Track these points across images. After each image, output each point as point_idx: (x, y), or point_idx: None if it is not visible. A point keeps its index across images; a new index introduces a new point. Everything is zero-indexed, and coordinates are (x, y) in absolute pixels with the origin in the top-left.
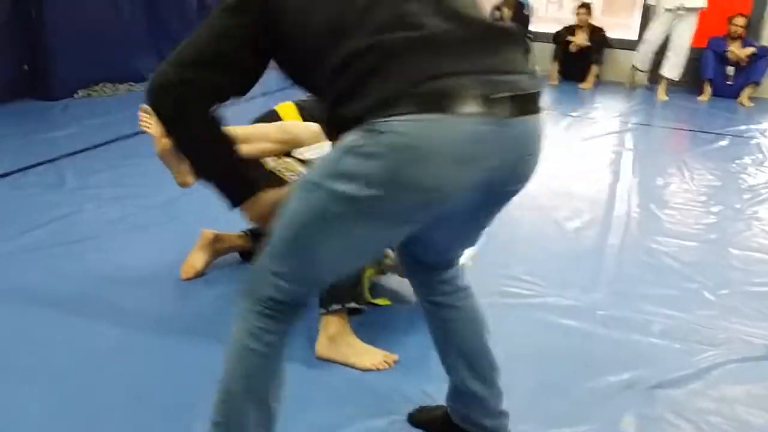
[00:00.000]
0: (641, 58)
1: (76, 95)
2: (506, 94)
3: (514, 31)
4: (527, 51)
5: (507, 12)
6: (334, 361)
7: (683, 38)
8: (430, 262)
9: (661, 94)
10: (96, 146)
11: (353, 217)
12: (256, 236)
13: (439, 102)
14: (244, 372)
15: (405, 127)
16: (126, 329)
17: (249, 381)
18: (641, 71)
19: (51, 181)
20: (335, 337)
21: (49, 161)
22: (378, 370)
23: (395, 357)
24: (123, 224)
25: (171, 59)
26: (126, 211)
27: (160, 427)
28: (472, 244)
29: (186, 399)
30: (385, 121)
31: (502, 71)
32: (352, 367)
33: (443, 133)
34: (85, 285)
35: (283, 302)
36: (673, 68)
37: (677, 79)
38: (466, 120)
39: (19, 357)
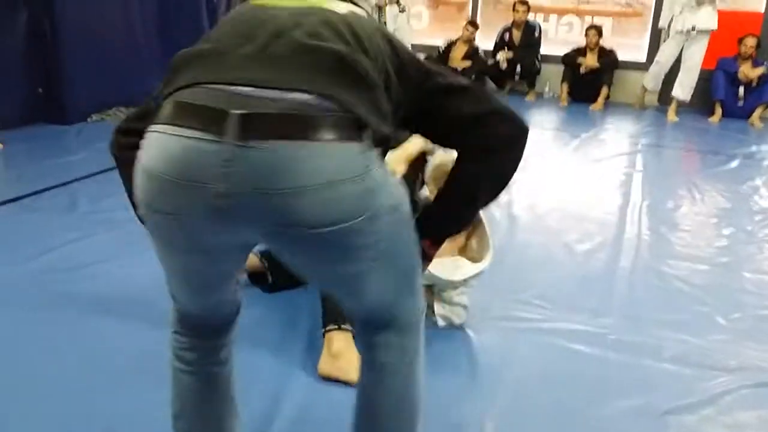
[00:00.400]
0: (652, 79)
1: (89, 119)
2: (236, 111)
3: (338, 53)
4: (352, 76)
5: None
6: (336, 379)
7: (694, 59)
8: (355, 315)
9: (672, 115)
10: (109, 170)
11: (152, 240)
12: (268, 258)
13: (162, 113)
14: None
15: (146, 139)
16: (141, 350)
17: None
18: (652, 92)
19: (64, 205)
20: (337, 354)
21: (62, 185)
22: None
23: None
24: (135, 247)
25: None
26: (139, 235)
27: None
28: (366, 297)
29: None
30: (149, 131)
31: (251, 84)
32: (353, 383)
33: (161, 150)
34: (98, 308)
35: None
36: (684, 89)
37: (687, 100)
38: (182, 135)
39: (29, 376)
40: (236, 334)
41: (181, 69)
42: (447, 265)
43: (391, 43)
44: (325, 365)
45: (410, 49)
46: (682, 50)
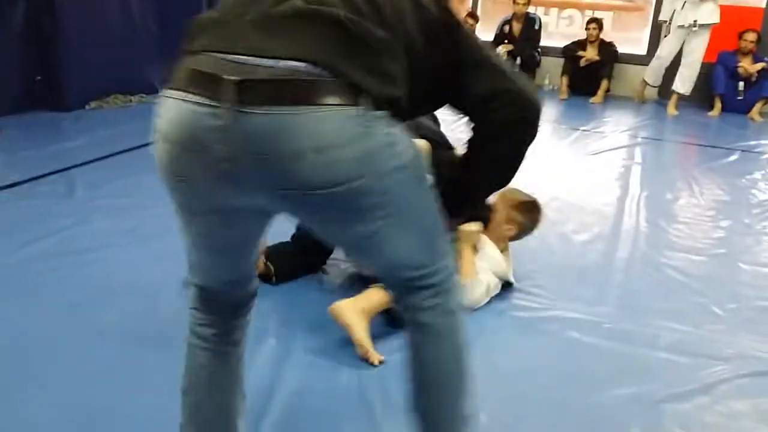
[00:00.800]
0: (652, 73)
1: (88, 106)
2: (232, 77)
3: (336, 18)
4: (358, 44)
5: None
6: (339, 321)
7: (696, 54)
8: (384, 281)
9: (672, 108)
10: (107, 156)
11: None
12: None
13: (171, 79)
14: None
15: (159, 104)
16: (137, 336)
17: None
18: (652, 86)
19: (61, 191)
20: (362, 309)
21: (60, 171)
22: (362, 355)
23: (381, 358)
24: (133, 234)
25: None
26: (136, 221)
27: None
28: (382, 258)
29: None
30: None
31: (250, 53)
32: (348, 333)
33: (170, 114)
34: (93, 293)
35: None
36: (684, 83)
37: (688, 94)
38: (185, 100)
39: (21, 363)
40: (251, 318)
41: (194, 35)
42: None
43: (419, 4)
44: (343, 305)
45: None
46: (683, 45)
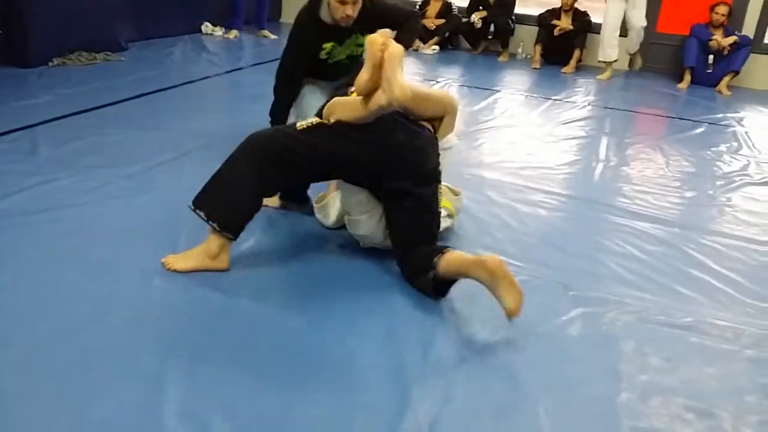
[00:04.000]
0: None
1: (51, 63)
2: None
3: None
4: None
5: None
6: None
7: (640, 22)
8: None
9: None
10: (70, 115)
11: None
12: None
13: None
14: None
15: None
16: (103, 294)
17: None
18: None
19: (24, 149)
20: None
21: (22, 129)
22: None
23: None
24: (97, 194)
25: None
26: (100, 180)
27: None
28: None
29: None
30: None
31: None
32: None
33: None
34: (58, 253)
35: None
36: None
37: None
38: None
39: None
40: None
41: None
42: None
43: None
44: None
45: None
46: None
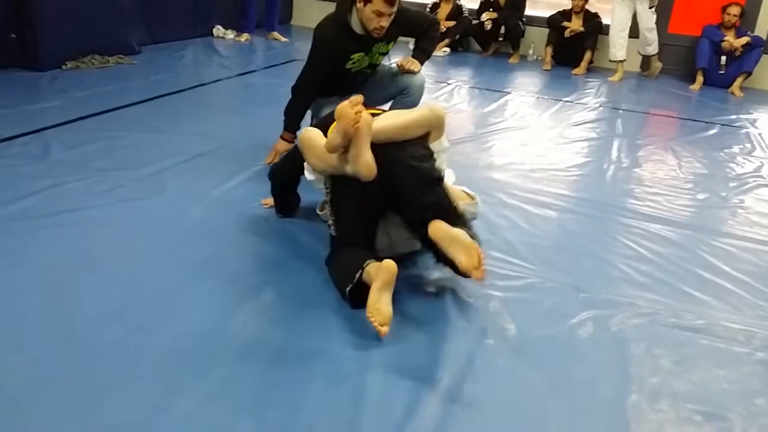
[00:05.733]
0: (620, 47)
1: (64, 66)
2: None
3: None
4: None
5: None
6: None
7: (650, 23)
8: None
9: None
10: (82, 118)
11: None
12: None
13: None
14: None
15: None
16: (111, 296)
17: None
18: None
19: (36, 152)
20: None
21: (35, 132)
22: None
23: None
24: (108, 197)
25: None
26: (112, 183)
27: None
28: None
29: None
30: None
31: None
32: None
33: None
34: (68, 256)
35: None
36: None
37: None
38: None
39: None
40: None
41: None
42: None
43: None
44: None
45: None
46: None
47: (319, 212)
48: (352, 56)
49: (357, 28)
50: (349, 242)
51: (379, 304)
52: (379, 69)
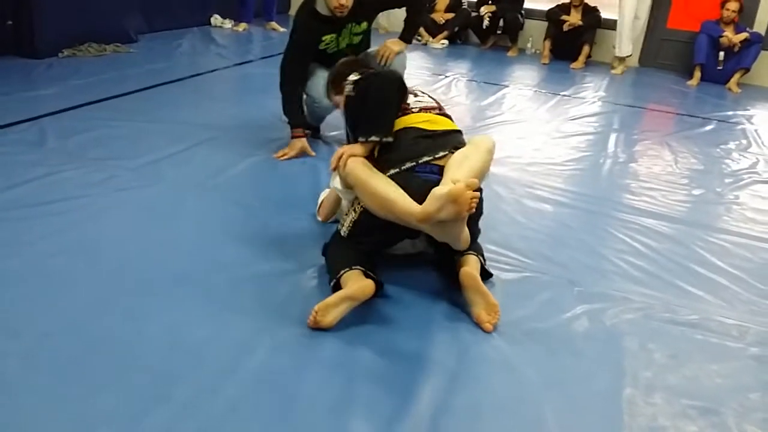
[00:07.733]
0: (627, 42)
1: (60, 54)
2: None
3: None
4: None
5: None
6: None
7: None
8: None
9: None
10: (79, 106)
11: None
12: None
13: None
14: None
15: None
16: (106, 288)
17: None
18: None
19: (31, 141)
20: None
21: (31, 120)
22: None
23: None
24: (104, 186)
25: None
26: (108, 172)
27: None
28: None
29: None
30: None
31: None
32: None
33: None
34: (63, 244)
35: None
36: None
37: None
38: None
39: None
40: None
41: None
42: None
43: None
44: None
45: None
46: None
47: (319, 212)
48: (323, 38)
49: (323, 9)
50: (353, 248)
51: (333, 310)
52: (363, 52)
